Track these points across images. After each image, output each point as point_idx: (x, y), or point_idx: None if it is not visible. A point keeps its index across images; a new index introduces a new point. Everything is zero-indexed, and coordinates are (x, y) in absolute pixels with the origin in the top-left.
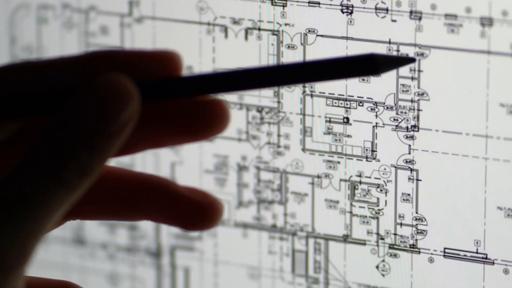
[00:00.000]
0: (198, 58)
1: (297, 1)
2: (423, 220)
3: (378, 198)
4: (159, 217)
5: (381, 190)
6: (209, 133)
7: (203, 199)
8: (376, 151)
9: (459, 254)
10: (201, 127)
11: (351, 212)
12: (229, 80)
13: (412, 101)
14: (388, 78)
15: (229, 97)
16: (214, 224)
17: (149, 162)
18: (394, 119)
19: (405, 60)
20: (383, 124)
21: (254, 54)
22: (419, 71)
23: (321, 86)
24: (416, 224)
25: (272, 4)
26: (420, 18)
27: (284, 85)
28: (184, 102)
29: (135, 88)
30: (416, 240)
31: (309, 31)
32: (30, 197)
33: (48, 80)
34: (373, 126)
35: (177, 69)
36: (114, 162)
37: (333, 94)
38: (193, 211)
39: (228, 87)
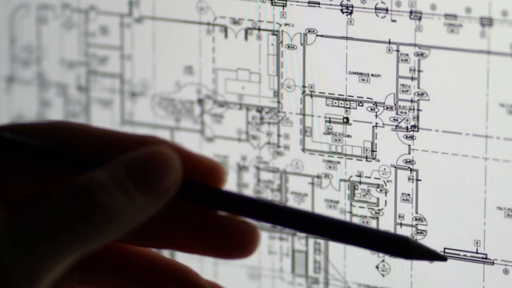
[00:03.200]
0: (198, 58)
1: (297, 1)
2: (423, 220)
3: (378, 198)
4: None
5: (381, 190)
6: (233, 255)
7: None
8: (376, 151)
9: (459, 254)
10: (227, 247)
11: (351, 212)
12: (270, 212)
13: (412, 101)
14: (388, 78)
15: (230, 97)
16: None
17: None
18: (394, 119)
19: (437, 257)
20: (383, 124)
21: (254, 54)
22: (419, 71)
23: (321, 86)
24: (416, 224)
25: (272, 4)
26: (420, 18)
27: (315, 236)
28: (219, 218)
29: (179, 161)
30: (416, 240)
31: (309, 31)
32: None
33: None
34: (373, 126)
35: (219, 182)
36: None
37: (333, 94)
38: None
39: (266, 218)
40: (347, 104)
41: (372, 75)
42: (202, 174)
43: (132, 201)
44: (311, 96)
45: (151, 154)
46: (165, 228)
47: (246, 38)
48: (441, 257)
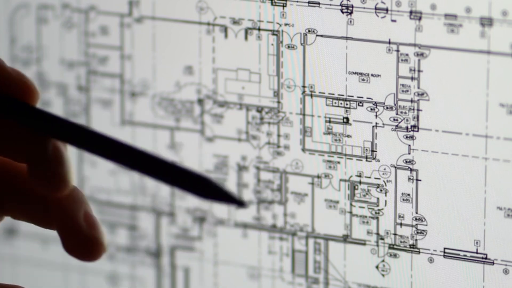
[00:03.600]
0: (198, 58)
1: (297, 1)
2: (423, 220)
3: (378, 198)
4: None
5: (381, 190)
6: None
7: (90, 232)
8: (376, 151)
9: (459, 254)
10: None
11: (351, 212)
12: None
13: (412, 101)
14: (388, 78)
15: (230, 97)
16: (90, 260)
17: None
18: (394, 119)
19: (234, 200)
20: (383, 124)
21: (254, 54)
22: (419, 71)
23: (321, 86)
24: (416, 224)
25: (272, 4)
26: (420, 18)
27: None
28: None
29: None
30: (416, 240)
31: (309, 31)
32: None
33: None
34: (373, 126)
35: (31, 99)
36: None
37: (333, 94)
38: (78, 239)
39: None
40: (347, 104)
41: (372, 75)
42: (13, 90)
43: None
44: (311, 96)
45: None
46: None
47: (246, 38)
48: (238, 201)
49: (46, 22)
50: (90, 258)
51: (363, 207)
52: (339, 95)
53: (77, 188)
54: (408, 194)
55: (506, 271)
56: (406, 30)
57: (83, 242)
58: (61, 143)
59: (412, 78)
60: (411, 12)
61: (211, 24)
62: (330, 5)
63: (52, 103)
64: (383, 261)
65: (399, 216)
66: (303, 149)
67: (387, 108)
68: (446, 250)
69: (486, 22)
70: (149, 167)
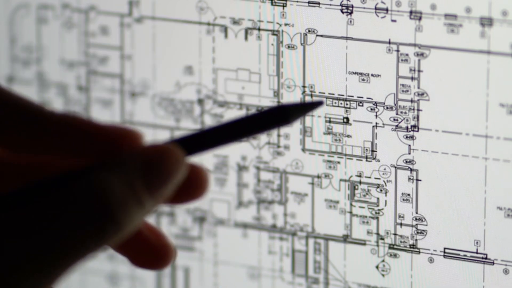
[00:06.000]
0: (198, 58)
1: (297, 1)
2: (423, 220)
3: (378, 198)
4: (113, 245)
5: (381, 190)
6: (188, 199)
7: (157, 241)
8: (376, 151)
9: (459, 254)
10: (181, 193)
11: (351, 212)
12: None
13: (412, 101)
14: (388, 78)
15: (230, 97)
16: (161, 268)
17: None
18: (394, 119)
19: (313, 105)
20: (383, 124)
21: (254, 54)
22: (419, 71)
23: (321, 86)
24: (416, 224)
25: (272, 4)
26: (420, 18)
27: (209, 149)
28: None
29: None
30: (416, 240)
31: (309, 31)
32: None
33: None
34: (373, 126)
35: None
36: None
37: (333, 94)
38: (146, 250)
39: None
40: (347, 104)
41: (372, 75)
42: (118, 142)
43: (142, 208)
44: (311, 96)
45: (165, 157)
46: None
47: (246, 38)
48: (317, 103)
49: (46, 22)
50: (166, 265)
51: (363, 207)
52: (339, 95)
53: None
54: (408, 194)
55: (506, 271)
56: (406, 30)
57: (156, 254)
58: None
59: (412, 78)
60: (411, 12)
61: (211, 24)
62: (330, 5)
63: (52, 103)
64: (383, 261)
65: (399, 216)
66: (303, 149)
67: (387, 108)
68: (446, 250)
69: (486, 22)
70: (234, 132)
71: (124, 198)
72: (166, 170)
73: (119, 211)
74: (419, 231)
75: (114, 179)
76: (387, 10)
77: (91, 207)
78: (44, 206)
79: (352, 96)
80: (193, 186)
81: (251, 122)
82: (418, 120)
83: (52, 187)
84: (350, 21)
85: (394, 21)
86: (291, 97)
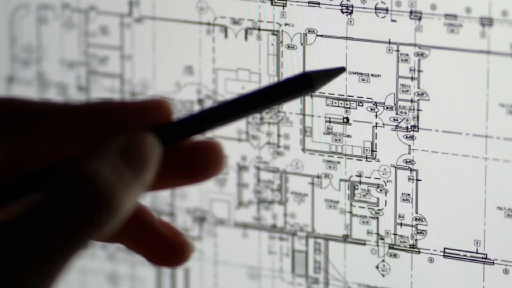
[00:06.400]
0: (198, 58)
1: (297, 1)
2: (423, 220)
3: (378, 198)
4: (130, 244)
5: (381, 190)
6: (206, 176)
7: (175, 237)
8: (376, 151)
9: (459, 254)
10: (198, 170)
11: (351, 212)
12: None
13: (412, 101)
14: (388, 78)
15: (230, 97)
16: (180, 264)
17: None
18: (394, 119)
19: (336, 71)
20: (383, 124)
21: (254, 54)
22: (419, 71)
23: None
24: (416, 224)
25: (272, 4)
26: (420, 18)
27: (232, 121)
28: (180, 147)
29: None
30: (416, 240)
31: (309, 31)
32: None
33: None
34: (373, 126)
35: (167, 115)
36: None
37: (333, 94)
38: (163, 247)
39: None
40: (347, 104)
41: (372, 75)
42: (151, 113)
43: (129, 190)
44: (311, 96)
45: (139, 141)
46: None
47: (246, 38)
48: (339, 69)
49: (46, 22)
50: (185, 261)
51: (363, 207)
52: (339, 95)
53: None
54: (408, 194)
55: (506, 271)
56: (406, 30)
57: (175, 251)
58: None
59: (412, 78)
60: (411, 12)
61: (211, 24)
62: (330, 5)
63: None
64: (383, 261)
65: (399, 216)
66: (303, 149)
67: (387, 108)
68: (446, 250)
69: (486, 22)
70: (260, 104)
71: (111, 180)
72: (143, 153)
73: (109, 192)
74: (419, 231)
75: (98, 164)
76: (387, 10)
77: (84, 194)
78: (40, 204)
79: (352, 96)
80: (210, 162)
81: (276, 91)
82: (418, 120)
83: (41, 180)
84: (350, 21)
85: (394, 21)
86: None
